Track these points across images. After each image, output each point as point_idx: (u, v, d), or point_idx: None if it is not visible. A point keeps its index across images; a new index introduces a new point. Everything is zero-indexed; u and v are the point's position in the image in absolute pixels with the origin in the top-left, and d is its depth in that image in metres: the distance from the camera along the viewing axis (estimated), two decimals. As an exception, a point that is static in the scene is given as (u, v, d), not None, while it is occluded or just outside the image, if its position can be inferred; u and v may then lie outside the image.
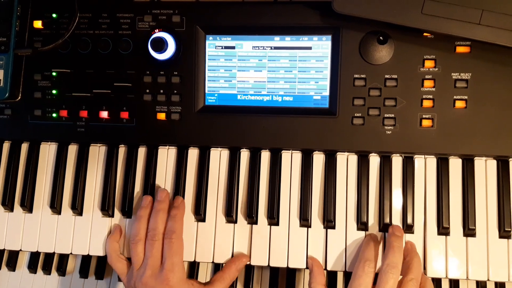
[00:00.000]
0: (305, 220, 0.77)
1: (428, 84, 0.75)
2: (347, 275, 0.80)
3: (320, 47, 0.78)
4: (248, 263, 0.78)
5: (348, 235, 0.76)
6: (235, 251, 0.78)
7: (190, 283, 0.75)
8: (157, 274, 0.73)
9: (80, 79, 0.82)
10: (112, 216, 0.82)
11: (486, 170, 0.75)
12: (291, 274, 0.82)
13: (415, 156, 0.77)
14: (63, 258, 0.88)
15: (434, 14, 0.70)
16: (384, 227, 0.75)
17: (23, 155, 0.85)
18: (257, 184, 0.79)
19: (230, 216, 0.78)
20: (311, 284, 0.73)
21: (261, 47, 0.79)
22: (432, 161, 0.77)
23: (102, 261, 0.87)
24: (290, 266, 0.77)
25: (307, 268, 0.76)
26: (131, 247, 0.77)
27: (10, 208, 0.84)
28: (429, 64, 0.75)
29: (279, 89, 0.80)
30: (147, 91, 0.81)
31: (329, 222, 0.76)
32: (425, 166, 0.77)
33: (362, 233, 0.76)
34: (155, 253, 0.75)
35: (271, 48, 0.79)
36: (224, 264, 0.78)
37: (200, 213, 0.79)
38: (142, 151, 0.83)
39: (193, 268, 0.85)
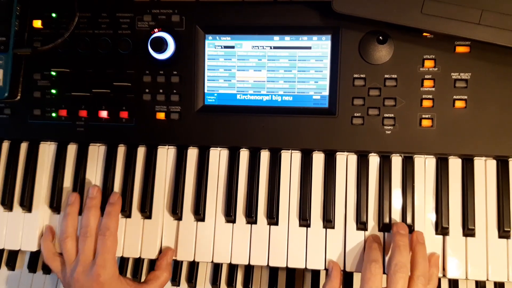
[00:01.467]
0: (304, 220, 0.77)
1: (428, 84, 0.75)
2: (347, 275, 0.80)
3: (320, 47, 0.78)
4: (174, 258, 0.79)
5: (348, 235, 0.76)
6: (234, 251, 0.78)
7: (122, 280, 0.75)
8: (88, 270, 0.74)
9: (79, 78, 0.82)
10: (112, 215, 0.82)
11: (485, 170, 0.75)
12: (290, 274, 0.82)
13: (415, 156, 0.77)
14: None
15: (433, 14, 0.70)
16: (384, 227, 0.75)
17: (22, 154, 0.85)
18: (256, 184, 0.79)
19: (229, 216, 0.78)
20: (326, 286, 0.72)
21: (261, 46, 0.79)
22: (431, 161, 0.77)
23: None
24: (290, 266, 0.77)
25: (306, 268, 0.76)
26: (60, 244, 0.78)
27: (10, 208, 0.84)
28: (428, 64, 0.75)
29: (278, 89, 0.80)
30: (147, 90, 0.81)
31: (328, 222, 0.76)
32: (424, 166, 0.77)
33: (361, 233, 0.76)
34: (86, 250, 0.75)
35: (271, 48, 0.79)
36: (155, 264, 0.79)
37: (199, 213, 0.79)
38: (141, 151, 0.83)
39: (192, 268, 0.85)
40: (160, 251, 0.80)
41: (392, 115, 0.76)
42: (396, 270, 0.67)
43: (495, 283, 0.79)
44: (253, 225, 0.78)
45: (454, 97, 0.75)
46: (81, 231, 0.77)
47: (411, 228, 0.75)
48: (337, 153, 0.79)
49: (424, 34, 0.75)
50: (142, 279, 0.85)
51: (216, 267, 0.84)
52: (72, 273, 0.75)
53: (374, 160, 0.78)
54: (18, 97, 0.83)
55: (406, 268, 0.67)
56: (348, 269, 0.75)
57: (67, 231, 0.78)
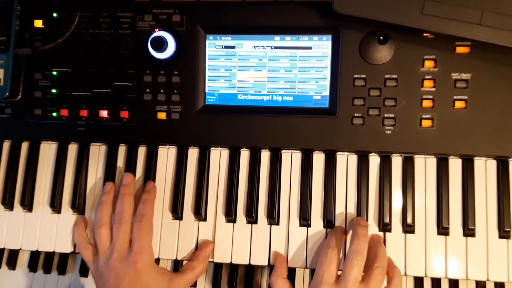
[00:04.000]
0: (304, 220, 0.77)
1: (428, 84, 0.75)
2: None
3: (320, 47, 0.78)
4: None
5: (348, 235, 0.76)
6: (234, 251, 0.78)
7: (158, 268, 0.74)
8: (124, 256, 0.73)
9: (80, 78, 0.83)
10: (112, 215, 0.82)
11: (486, 170, 0.75)
12: (290, 273, 0.82)
13: (415, 156, 0.77)
14: (63, 257, 0.88)
15: (434, 14, 0.70)
16: (384, 227, 0.75)
17: (23, 154, 0.85)
18: (257, 184, 0.79)
19: (230, 215, 0.78)
20: (272, 276, 0.73)
21: (261, 46, 0.79)
22: (432, 161, 0.77)
23: (102, 260, 0.87)
24: (290, 265, 0.77)
25: (306, 267, 0.76)
26: (95, 232, 0.77)
27: (10, 207, 0.84)
28: (429, 64, 0.75)
29: (279, 89, 0.80)
30: (147, 90, 0.81)
31: (328, 222, 0.76)
32: (425, 166, 0.77)
33: (361, 233, 0.76)
34: (122, 236, 0.74)
35: (271, 48, 0.79)
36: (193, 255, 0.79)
37: (200, 213, 0.79)
38: (142, 151, 0.83)
39: (193, 268, 0.85)
40: (160, 251, 0.80)
41: (393, 115, 0.76)
42: (352, 256, 0.68)
43: (495, 283, 0.79)
44: (253, 225, 0.79)
45: (454, 97, 0.75)
46: (115, 218, 0.76)
47: (411, 228, 0.75)
48: (338, 153, 0.79)
49: (425, 34, 0.75)
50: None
51: (217, 267, 0.84)
52: (107, 261, 0.73)
53: (374, 160, 0.78)
54: (19, 97, 0.83)
55: (362, 256, 0.69)
56: (348, 269, 0.75)
57: (102, 219, 0.77)
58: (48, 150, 0.85)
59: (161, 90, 0.81)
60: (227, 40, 0.80)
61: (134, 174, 0.82)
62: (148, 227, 0.75)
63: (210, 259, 0.78)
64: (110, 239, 0.76)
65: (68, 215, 0.82)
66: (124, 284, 0.71)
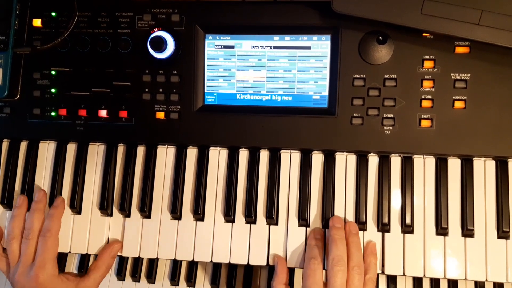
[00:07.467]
0: (303, 220, 0.77)
1: (427, 84, 0.75)
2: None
3: (320, 46, 0.78)
4: (120, 253, 0.79)
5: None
6: (233, 251, 0.78)
7: (62, 278, 0.77)
8: (27, 271, 0.75)
9: (79, 78, 0.82)
10: (111, 215, 0.82)
11: (485, 170, 0.75)
12: (289, 273, 0.82)
13: (414, 156, 0.77)
14: (62, 257, 0.88)
15: (433, 15, 0.70)
16: (383, 227, 0.75)
17: (22, 153, 0.85)
18: (256, 184, 0.79)
19: (228, 215, 0.78)
20: (273, 282, 0.74)
21: (261, 46, 0.79)
22: (431, 161, 0.77)
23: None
24: (289, 265, 0.76)
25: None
26: (6, 245, 0.80)
27: (10, 207, 0.84)
28: (428, 64, 0.75)
29: (278, 89, 0.80)
30: (146, 90, 0.81)
31: (327, 222, 0.76)
32: (424, 166, 0.77)
33: (360, 233, 0.76)
34: (28, 251, 0.77)
35: (271, 48, 0.79)
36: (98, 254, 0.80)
37: (198, 213, 0.79)
38: (141, 150, 0.83)
39: (191, 268, 0.85)
40: (158, 251, 0.80)
41: (392, 115, 0.76)
42: (334, 264, 0.69)
43: (494, 284, 0.79)
44: (252, 225, 0.78)
45: (454, 97, 0.75)
46: (24, 233, 0.78)
47: (410, 229, 0.75)
48: (337, 153, 0.79)
49: (424, 34, 0.75)
50: (141, 278, 0.85)
51: (216, 267, 0.84)
52: (14, 275, 0.76)
53: (373, 160, 0.78)
54: (18, 96, 0.83)
55: (343, 261, 0.70)
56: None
57: (13, 233, 0.79)
58: (46, 150, 0.85)
59: (160, 90, 0.81)
60: (226, 40, 0.80)
61: (133, 173, 0.82)
62: (51, 242, 0.77)
63: (210, 260, 0.78)
64: (20, 252, 0.78)
65: (66, 214, 0.82)
66: None
